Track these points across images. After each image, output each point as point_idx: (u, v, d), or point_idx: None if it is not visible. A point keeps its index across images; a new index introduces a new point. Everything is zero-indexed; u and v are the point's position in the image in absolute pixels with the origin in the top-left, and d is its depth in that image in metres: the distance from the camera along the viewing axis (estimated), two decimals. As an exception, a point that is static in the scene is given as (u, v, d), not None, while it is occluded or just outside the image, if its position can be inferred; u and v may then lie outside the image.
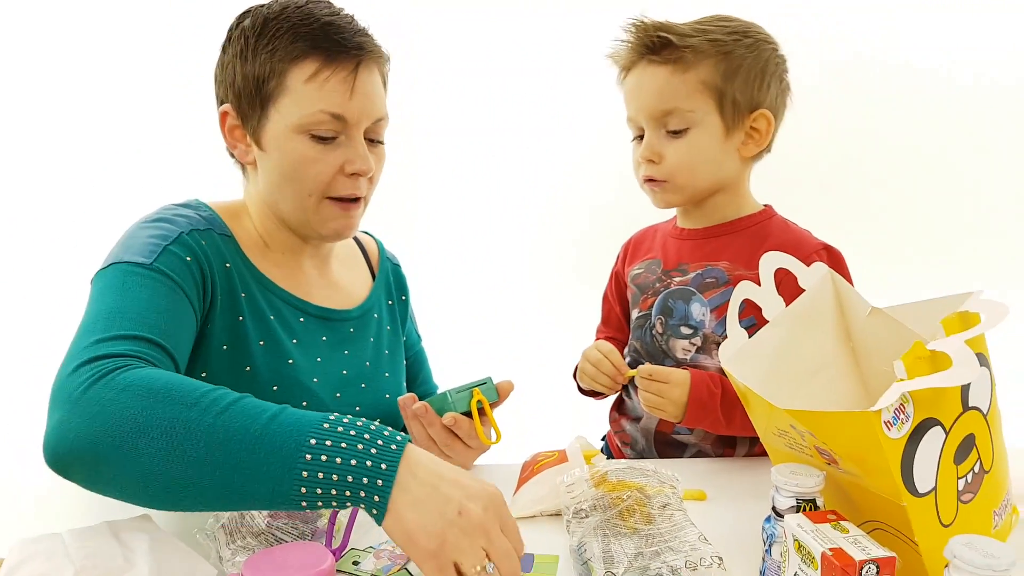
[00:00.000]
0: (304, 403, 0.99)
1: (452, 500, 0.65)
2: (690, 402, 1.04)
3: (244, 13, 0.99)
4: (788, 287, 0.86)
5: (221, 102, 1.02)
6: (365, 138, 1.00)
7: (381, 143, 1.04)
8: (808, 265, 0.98)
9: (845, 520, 0.66)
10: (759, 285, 0.85)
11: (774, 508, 0.72)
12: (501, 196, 2.57)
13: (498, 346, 2.24)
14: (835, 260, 1.10)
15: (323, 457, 0.65)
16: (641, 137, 1.15)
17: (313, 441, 0.65)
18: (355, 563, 0.81)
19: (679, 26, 1.09)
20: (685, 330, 1.14)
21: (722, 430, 1.06)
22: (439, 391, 1.08)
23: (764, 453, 1.09)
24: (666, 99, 1.08)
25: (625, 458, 1.17)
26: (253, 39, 0.96)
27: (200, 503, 0.67)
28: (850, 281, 1.06)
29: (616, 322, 1.32)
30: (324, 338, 1.08)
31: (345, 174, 0.99)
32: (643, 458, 1.14)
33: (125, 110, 2.24)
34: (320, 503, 0.66)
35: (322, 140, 0.96)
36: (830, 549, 0.62)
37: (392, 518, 0.65)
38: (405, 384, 1.22)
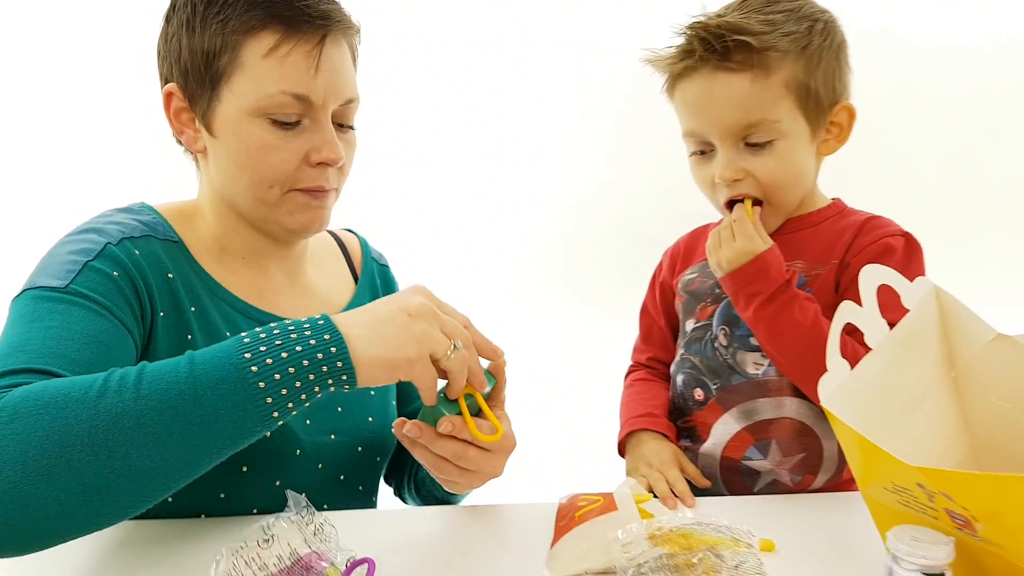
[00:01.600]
0: (267, 433, 0.86)
1: (395, 312, 0.71)
2: (749, 263, 0.95)
3: None
4: (890, 307, 0.73)
5: (165, 80, 0.89)
6: (333, 122, 0.88)
7: (351, 128, 0.93)
8: (880, 247, 0.95)
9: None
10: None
11: (891, 581, 0.59)
12: (493, 194, 2.44)
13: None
14: (911, 251, 0.98)
15: (268, 361, 0.65)
16: (703, 152, 1.00)
17: (248, 355, 0.65)
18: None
19: (747, 22, 0.93)
20: (755, 341, 1.00)
21: (756, 313, 0.96)
22: None
23: (848, 481, 0.99)
24: (750, 111, 0.94)
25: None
26: (202, 6, 0.84)
27: (170, 479, 0.63)
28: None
29: (660, 339, 1.18)
30: None
31: (311, 163, 0.87)
32: (706, 491, 1.01)
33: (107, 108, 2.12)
34: (291, 403, 0.66)
35: (283, 125, 0.85)
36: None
37: (365, 367, 0.68)
38: (396, 403, 1.07)
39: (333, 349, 0.67)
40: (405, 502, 1.14)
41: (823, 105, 0.96)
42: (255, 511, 0.87)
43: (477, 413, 0.82)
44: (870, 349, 0.70)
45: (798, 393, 0.98)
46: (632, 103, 2.09)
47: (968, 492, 0.54)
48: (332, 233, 1.12)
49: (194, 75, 0.85)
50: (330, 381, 0.67)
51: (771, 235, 1.01)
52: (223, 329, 0.89)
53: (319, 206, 0.91)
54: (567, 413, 2.09)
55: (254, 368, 0.64)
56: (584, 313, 2.18)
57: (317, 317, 0.70)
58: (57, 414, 0.59)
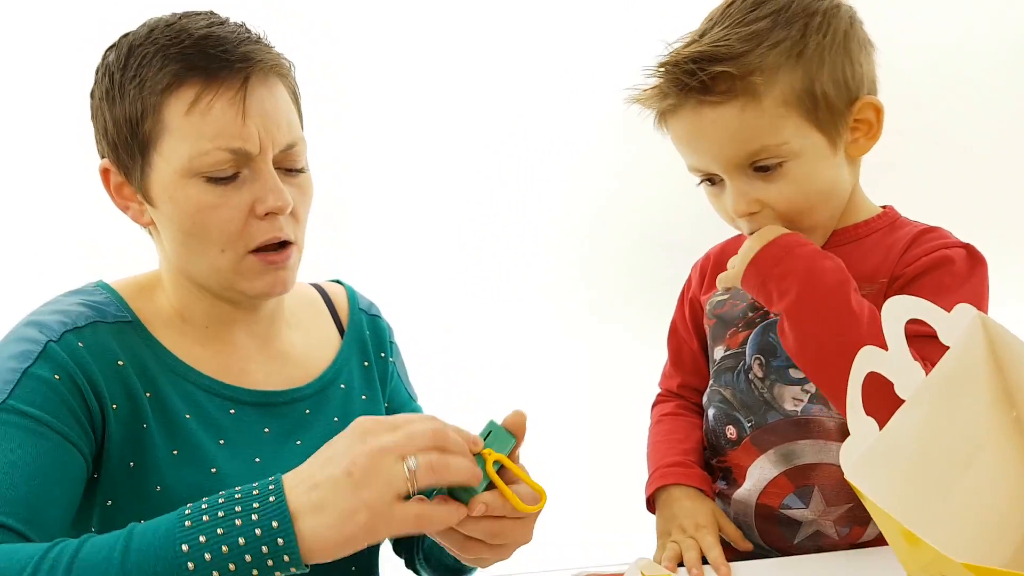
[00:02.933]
0: None
1: (337, 472, 0.61)
2: (765, 248, 0.83)
3: (111, 46, 0.83)
4: (925, 346, 0.60)
5: (101, 157, 0.85)
6: (277, 168, 0.82)
7: (301, 171, 0.85)
8: (938, 258, 0.83)
9: None
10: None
11: None
12: (506, 202, 2.33)
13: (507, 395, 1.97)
14: (973, 264, 0.85)
15: (206, 556, 0.59)
16: (713, 182, 0.89)
17: (185, 547, 0.59)
18: None
19: (722, 42, 0.82)
20: (795, 373, 0.88)
21: (783, 304, 0.82)
22: None
23: None
24: (745, 142, 0.82)
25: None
26: (118, 73, 0.80)
27: None
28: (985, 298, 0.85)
29: (691, 363, 1.06)
30: (267, 430, 0.87)
31: (258, 216, 0.81)
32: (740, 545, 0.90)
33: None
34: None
35: (220, 181, 0.79)
36: None
37: (310, 548, 0.60)
38: None
39: (280, 541, 0.60)
40: (418, 574, 1.04)
41: (838, 108, 0.84)
42: None
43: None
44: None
45: (846, 436, 0.85)
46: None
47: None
48: (317, 286, 1.05)
49: (122, 146, 0.81)
50: (279, 572, 0.61)
51: None
52: (182, 412, 0.82)
53: (280, 269, 0.84)
54: (588, 456, 1.97)
55: (191, 565, 0.59)
56: (604, 333, 2.05)
57: (267, 484, 0.63)
58: None
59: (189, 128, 0.77)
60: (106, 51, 0.83)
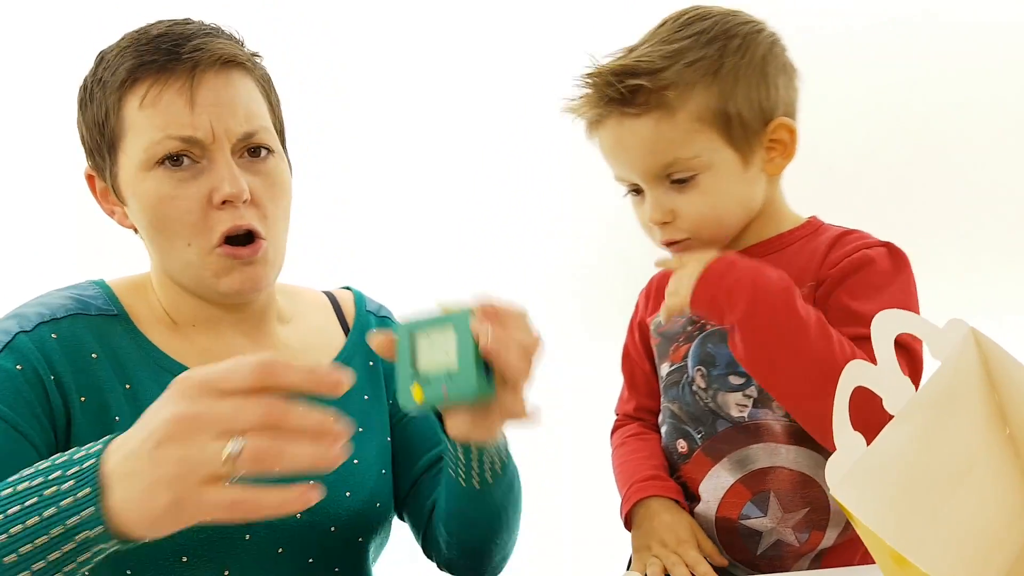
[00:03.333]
0: None
1: (145, 440, 0.54)
2: (701, 277, 0.85)
3: (95, 58, 0.86)
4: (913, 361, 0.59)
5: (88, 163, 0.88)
6: (240, 158, 0.82)
7: (264, 158, 0.84)
8: (858, 259, 0.86)
9: None
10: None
11: None
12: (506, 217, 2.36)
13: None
14: (898, 263, 0.88)
15: (13, 529, 0.56)
16: (637, 191, 0.93)
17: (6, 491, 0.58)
18: None
19: (644, 58, 0.87)
20: (735, 379, 0.90)
21: (730, 319, 0.84)
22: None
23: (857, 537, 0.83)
24: (659, 153, 0.87)
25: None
26: (89, 80, 0.84)
27: None
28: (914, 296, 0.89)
29: (645, 385, 1.06)
30: None
31: (215, 206, 0.80)
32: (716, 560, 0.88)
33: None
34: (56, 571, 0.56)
35: (175, 170, 0.80)
36: None
37: (116, 522, 0.55)
38: (390, 472, 0.96)
39: (87, 512, 0.55)
40: (430, 557, 1.01)
41: (752, 127, 0.88)
42: None
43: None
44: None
45: (793, 439, 0.87)
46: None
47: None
48: (328, 292, 1.05)
49: (95, 149, 0.84)
50: (90, 546, 0.56)
51: None
52: None
53: (248, 265, 0.83)
54: (573, 472, 1.97)
55: (2, 537, 0.56)
56: (596, 349, 2.06)
57: (87, 461, 0.57)
58: None
59: (144, 121, 0.79)
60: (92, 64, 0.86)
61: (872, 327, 0.57)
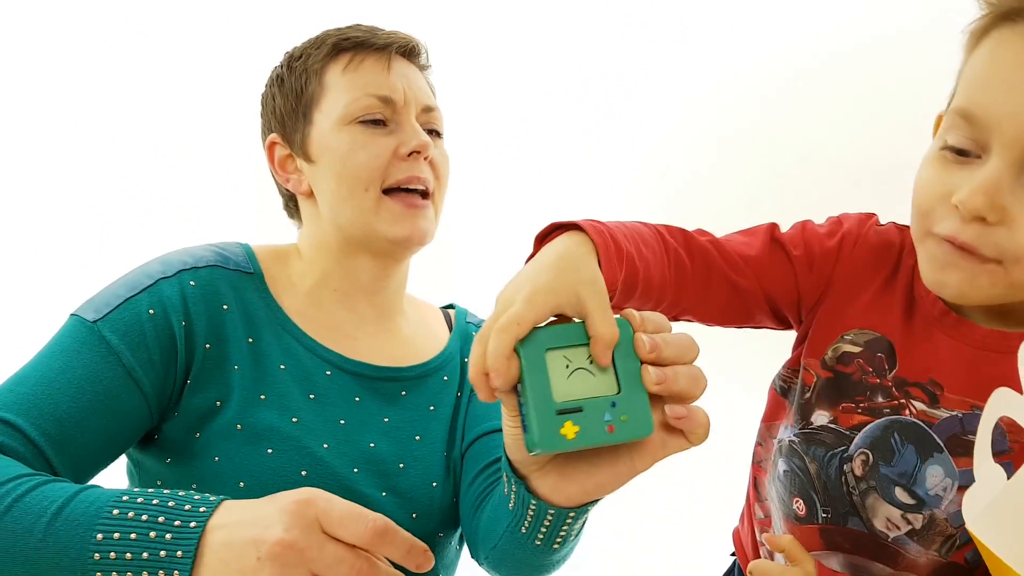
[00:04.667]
0: (303, 472, 0.83)
1: (249, 544, 0.58)
2: None
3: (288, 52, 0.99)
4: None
5: (269, 134, 0.98)
6: (422, 127, 0.93)
7: (440, 136, 0.98)
8: None
9: None
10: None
11: None
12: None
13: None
14: None
15: (111, 555, 0.60)
16: (961, 153, 0.61)
17: (100, 536, 0.61)
18: None
19: None
20: (903, 496, 0.69)
21: None
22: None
23: None
24: None
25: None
26: (287, 61, 0.97)
27: None
28: None
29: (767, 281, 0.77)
30: (357, 399, 0.89)
31: (400, 157, 0.90)
32: None
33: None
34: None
35: (371, 125, 0.91)
36: None
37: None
38: (464, 475, 0.93)
39: (176, 574, 0.59)
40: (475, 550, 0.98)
41: None
42: None
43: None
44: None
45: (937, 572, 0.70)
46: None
47: None
48: (441, 309, 1.10)
49: (288, 115, 0.94)
50: None
51: (982, 349, 0.67)
52: (278, 361, 0.87)
53: (416, 216, 0.91)
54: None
55: (96, 556, 0.61)
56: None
57: (204, 504, 0.62)
58: None
59: (345, 83, 0.91)
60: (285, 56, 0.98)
61: (1021, 352, 0.53)
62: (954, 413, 0.67)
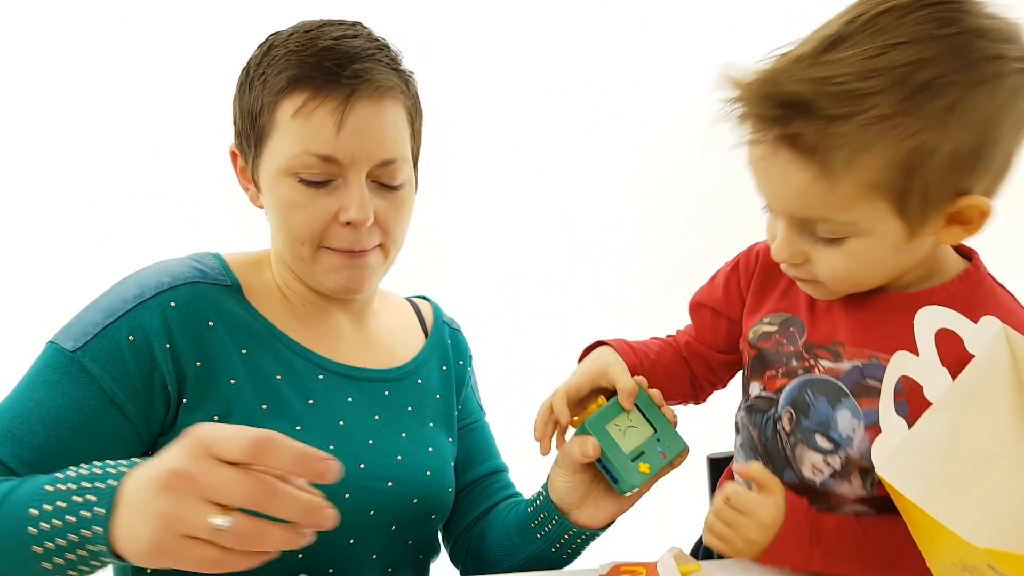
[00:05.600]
0: None
1: (150, 481, 0.57)
2: (772, 547, 0.76)
3: (263, 41, 0.90)
4: (953, 355, 0.64)
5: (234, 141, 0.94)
6: (374, 182, 0.87)
7: (397, 188, 0.89)
8: None
9: None
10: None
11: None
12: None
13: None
14: None
15: (43, 525, 0.62)
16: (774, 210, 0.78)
17: (34, 512, 0.63)
18: None
19: (829, 94, 0.64)
20: (823, 442, 0.80)
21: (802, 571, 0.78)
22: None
23: None
24: (806, 207, 0.71)
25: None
26: (253, 68, 0.87)
27: None
28: None
29: (710, 338, 0.98)
30: (350, 399, 0.92)
31: (339, 223, 0.85)
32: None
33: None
34: (71, 571, 0.63)
35: (312, 184, 0.84)
36: None
37: (115, 545, 0.59)
38: (453, 464, 1.02)
39: (98, 529, 0.60)
40: (456, 565, 1.08)
41: (935, 201, 0.68)
42: (300, 556, 0.84)
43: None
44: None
45: (865, 504, 0.81)
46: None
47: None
48: (407, 299, 1.12)
49: (243, 135, 0.89)
50: (101, 560, 0.63)
51: (867, 309, 0.80)
52: (274, 372, 0.87)
53: (356, 267, 0.89)
54: None
55: (32, 530, 0.62)
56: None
57: (109, 480, 0.62)
58: None
59: (291, 130, 0.83)
60: (260, 44, 0.89)
61: (915, 321, 0.62)
62: (855, 363, 0.79)
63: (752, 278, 0.92)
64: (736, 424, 0.93)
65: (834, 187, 0.67)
